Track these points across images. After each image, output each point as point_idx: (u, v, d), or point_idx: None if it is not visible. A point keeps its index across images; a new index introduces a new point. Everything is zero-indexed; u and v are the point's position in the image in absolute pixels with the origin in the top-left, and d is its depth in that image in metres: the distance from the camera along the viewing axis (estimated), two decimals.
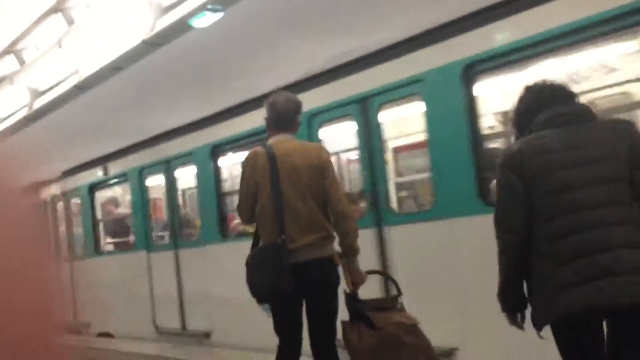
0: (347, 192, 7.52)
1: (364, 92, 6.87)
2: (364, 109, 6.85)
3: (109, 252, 11.97)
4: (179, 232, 9.68)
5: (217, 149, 9.03)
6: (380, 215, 6.63)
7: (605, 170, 2.81)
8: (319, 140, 7.28)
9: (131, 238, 12.18)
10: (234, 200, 8.22)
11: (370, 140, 6.83)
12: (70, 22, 10.74)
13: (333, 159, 7.38)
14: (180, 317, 9.57)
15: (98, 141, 13.40)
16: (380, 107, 6.79)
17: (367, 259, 5.88)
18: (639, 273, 2.68)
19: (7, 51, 12.62)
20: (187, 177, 10.77)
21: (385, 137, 6.92)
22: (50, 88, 11.21)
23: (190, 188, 11.35)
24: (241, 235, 8.60)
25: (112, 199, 13.40)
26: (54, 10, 10.93)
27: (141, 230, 10.49)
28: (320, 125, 7.38)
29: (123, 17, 8.48)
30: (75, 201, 12.64)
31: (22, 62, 12.57)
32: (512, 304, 3.01)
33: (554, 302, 2.79)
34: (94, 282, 11.40)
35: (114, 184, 11.69)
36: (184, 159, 9.48)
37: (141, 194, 10.42)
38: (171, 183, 9.91)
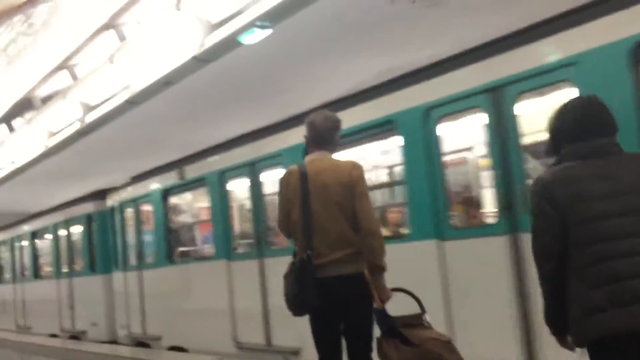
0: (471, 197, 6.76)
1: (496, 80, 5.81)
2: (496, 100, 5.84)
3: (184, 261, 10.98)
4: (265, 240, 8.69)
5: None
6: (515, 220, 5.66)
7: (635, 202, 2.94)
8: (436, 137, 6.35)
9: (209, 246, 11.22)
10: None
11: (505, 135, 5.76)
12: (122, 38, 10.99)
13: (455, 157, 6.79)
14: (264, 332, 8.67)
15: (171, 145, 12.73)
16: (517, 97, 5.72)
17: (500, 269, 5.60)
18: None
19: (61, 67, 12.98)
20: (274, 180, 9.52)
21: (523, 131, 5.78)
22: (102, 103, 11.50)
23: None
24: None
25: (187, 205, 12.36)
26: (107, 26, 11.20)
27: (221, 238, 9.55)
28: (438, 121, 6.36)
29: (173, 33, 8.65)
30: (146, 207, 11.68)
31: (74, 78, 12.90)
32: (559, 327, 3.07)
33: (586, 325, 2.90)
34: (166, 293, 10.78)
35: (191, 188, 10.67)
36: (271, 160, 8.38)
37: (222, 199, 9.50)
38: (256, 186, 8.87)
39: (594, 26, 5.21)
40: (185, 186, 10.51)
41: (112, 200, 13.04)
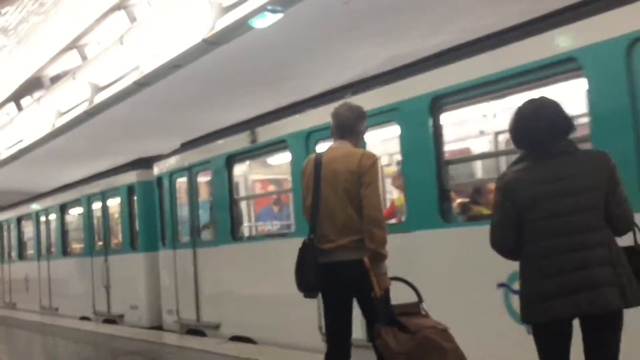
0: None
1: None
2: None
3: (252, 238, 9.63)
4: None
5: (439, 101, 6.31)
6: None
7: (585, 200, 3.30)
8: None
9: (287, 221, 10.27)
10: (460, 170, 7.09)
11: None
12: (132, 19, 11.06)
13: None
14: (362, 324, 7.15)
15: (179, 127, 11.90)
16: None
17: None
18: (609, 286, 3.22)
19: (71, 47, 13.06)
20: (385, 140, 8.44)
21: None
22: (111, 83, 11.58)
23: (389, 154, 8.72)
24: (474, 219, 6.42)
25: (258, 172, 10.92)
26: (117, 7, 11.25)
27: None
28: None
29: (184, 15, 8.73)
30: (205, 176, 10.10)
31: (84, 58, 13.00)
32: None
33: (536, 310, 3.34)
34: (229, 274, 9.27)
35: (264, 153, 9.12)
36: (381, 116, 6.82)
37: None
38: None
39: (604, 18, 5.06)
40: (258, 150, 8.97)
41: (160, 169, 11.26)
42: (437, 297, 5.13)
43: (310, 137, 7.79)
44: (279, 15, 6.63)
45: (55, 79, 14.37)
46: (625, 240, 3.51)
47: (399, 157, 7.33)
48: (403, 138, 6.43)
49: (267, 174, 11.05)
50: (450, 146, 6.98)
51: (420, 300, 4.35)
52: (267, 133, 8.50)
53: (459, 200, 6.93)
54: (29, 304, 17.70)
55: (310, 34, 7.06)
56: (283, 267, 7.56)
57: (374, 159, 4.42)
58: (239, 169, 10.00)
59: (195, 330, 10.05)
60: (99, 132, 13.36)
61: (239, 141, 8.96)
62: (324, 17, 6.45)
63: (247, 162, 9.85)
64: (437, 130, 6.16)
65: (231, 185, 9.20)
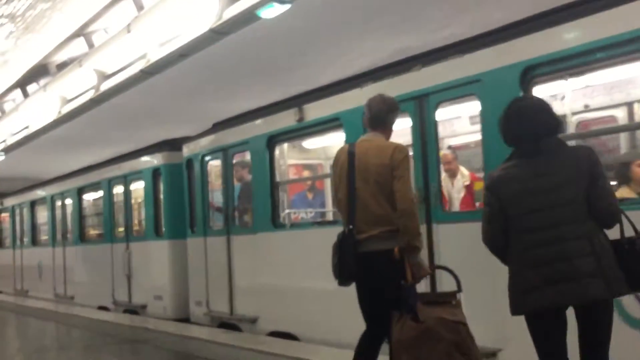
0: None
1: None
2: None
3: (296, 226, 8.63)
4: (435, 199, 6.24)
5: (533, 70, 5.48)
6: None
7: (565, 195, 3.44)
8: None
9: (323, 208, 9.59)
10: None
11: None
12: (140, 7, 11.00)
13: None
14: None
15: (185, 116, 11.92)
16: None
17: None
18: (591, 277, 3.35)
19: (78, 34, 13.01)
20: (458, 117, 7.55)
21: None
22: (117, 71, 11.56)
23: (468, 132, 7.66)
24: None
25: (306, 154, 10.02)
26: None
27: None
28: None
29: (191, 5, 8.67)
30: (241, 158, 9.43)
31: (91, 45, 12.95)
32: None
33: (524, 300, 3.50)
34: (268, 265, 8.52)
35: (313, 132, 8.28)
36: (456, 90, 6.02)
37: None
38: (426, 125, 6.29)
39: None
40: (305, 130, 8.19)
41: (190, 150, 10.43)
42: None
43: None
44: (287, 6, 6.57)
45: (62, 66, 14.34)
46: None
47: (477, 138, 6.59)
48: (485, 114, 5.67)
49: (306, 158, 10.20)
50: None
51: (459, 289, 4.40)
52: (317, 110, 7.74)
53: None
54: (42, 292, 16.76)
55: (318, 24, 6.96)
56: (325, 256, 6.47)
57: (405, 153, 4.51)
58: (303, 145, 9.31)
59: (227, 324, 9.26)
60: (104, 120, 13.24)
61: (283, 120, 8.25)
62: (332, 9, 6.37)
63: (287, 144, 9.05)
64: None
65: (272, 168, 8.53)
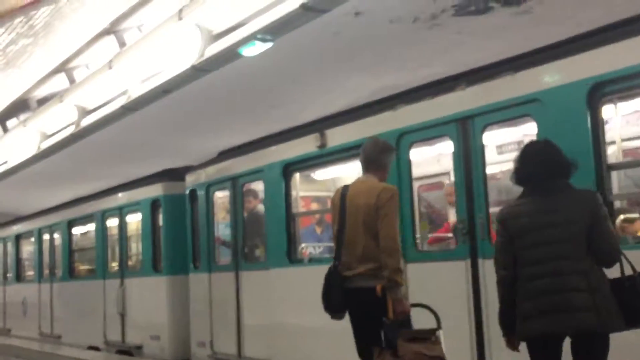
0: None
1: None
2: None
3: (315, 261, 7.74)
4: (481, 229, 5.64)
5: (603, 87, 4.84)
6: None
7: (567, 232, 3.67)
8: None
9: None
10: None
11: None
12: (122, 44, 11.02)
13: None
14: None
15: (167, 152, 10.93)
16: None
17: None
18: (581, 311, 3.56)
19: (59, 69, 13.03)
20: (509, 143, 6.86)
21: None
22: (98, 107, 11.56)
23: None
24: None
25: (327, 184, 9.23)
26: (107, 32, 11.12)
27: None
28: None
29: (174, 42, 8.71)
30: (253, 188, 8.81)
31: (72, 81, 12.95)
32: (507, 328, 3.91)
33: (522, 327, 3.76)
34: (282, 303, 7.80)
35: (336, 160, 7.51)
36: (510, 110, 5.42)
37: (400, 172, 6.22)
38: (471, 150, 5.67)
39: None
40: (327, 157, 7.51)
41: (193, 180, 9.87)
42: None
43: (402, 139, 6.34)
44: (269, 44, 6.60)
45: (42, 102, 14.33)
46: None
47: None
48: (542, 136, 5.00)
49: (314, 190, 9.43)
50: (613, 148, 5.23)
51: (439, 327, 4.64)
52: (342, 135, 7.15)
53: (623, 217, 5.37)
54: (26, 330, 15.59)
55: (300, 63, 6.95)
56: None
57: (391, 193, 4.72)
58: (323, 174, 8.60)
59: None
60: (85, 156, 13.13)
61: (301, 146, 7.69)
62: (314, 47, 6.35)
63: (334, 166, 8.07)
64: (597, 125, 4.86)
65: (289, 199, 7.94)
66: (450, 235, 6.74)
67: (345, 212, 4.84)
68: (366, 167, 4.99)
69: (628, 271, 3.81)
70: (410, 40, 6.04)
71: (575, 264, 3.67)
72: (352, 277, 4.74)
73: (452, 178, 6.75)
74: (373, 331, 4.66)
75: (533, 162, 3.94)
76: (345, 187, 5.00)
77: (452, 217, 7.06)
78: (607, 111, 4.85)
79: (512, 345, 3.97)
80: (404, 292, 4.67)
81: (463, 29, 5.64)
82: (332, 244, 9.79)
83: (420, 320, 4.80)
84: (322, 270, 7.60)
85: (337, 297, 4.79)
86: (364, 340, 4.74)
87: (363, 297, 4.67)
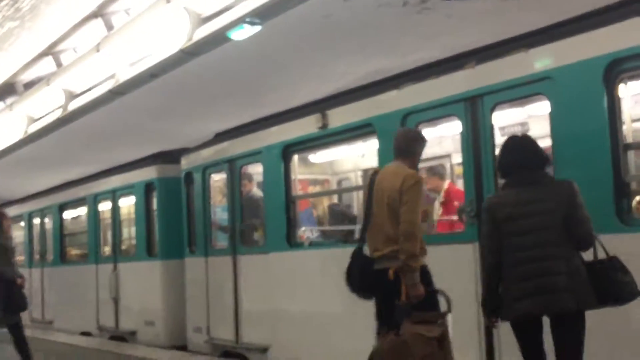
0: None
1: None
2: None
3: (316, 245, 7.75)
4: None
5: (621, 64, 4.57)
6: None
7: (549, 220, 3.94)
8: None
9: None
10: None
11: None
12: (109, 27, 10.88)
13: None
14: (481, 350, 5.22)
15: (155, 136, 10.70)
16: None
17: None
18: (564, 292, 3.87)
19: (46, 53, 12.90)
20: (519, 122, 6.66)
21: None
22: (86, 91, 11.46)
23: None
24: None
25: (327, 166, 9.22)
26: (94, 15, 10.95)
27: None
28: None
29: (162, 25, 8.62)
30: (251, 170, 8.70)
31: (59, 65, 12.82)
32: (491, 310, 4.20)
33: (511, 309, 4.01)
34: (282, 287, 7.67)
35: (338, 141, 7.42)
36: (520, 89, 5.26)
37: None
38: (480, 130, 5.50)
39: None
40: (329, 138, 7.38)
41: (189, 163, 9.71)
42: None
43: (407, 119, 6.15)
44: (257, 28, 6.55)
45: (29, 85, 14.20)
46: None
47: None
48: (556, 116, 4.93)
49: (311, 173, 9.15)
50: (631, 127, 4.89)
51: (449, 310, 4.74)
52: (344, 115, 6.95)
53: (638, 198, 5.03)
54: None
55: (289, 47, 6.88)
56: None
57: (415, 180, 4.86)
58: (324, 155, 8.39)
59: (232, 353, 8.31)
60: (74, 140, 13.04)
61: (302, 127, 7.48)
62: (303, 31, 6.29)
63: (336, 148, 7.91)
64: (614, 104, 4.67)
65: (288, 181, 7.75)
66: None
67: (372, 195, 5.02)
68: (396, 154, 5.16)
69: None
70: (400, 24, 5.99)
71: (556, 250, 3.96)
72: (378, 259, 4.91)
73: (452, 160, 6.95)
74: (385, 312, 4.91)
75: (513, 154, 4.23)
76: (376, 171, 5.19)
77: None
78: (625, 89, 4.66)
79: (493, 324, 4.31)
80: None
81: (453, 13, 5.59)
82: (328, 228, 9.47)
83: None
84: (322, 254, 7.60)
85: (359, 277, 5.00)
86: (386, 321, 4.87)
87: (384, 277, 4.83)
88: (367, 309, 5.48)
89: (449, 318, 4.68)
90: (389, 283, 4.76)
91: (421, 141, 5.18)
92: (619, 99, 4.56)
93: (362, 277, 4.93)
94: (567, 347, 4.02)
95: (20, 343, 7.61)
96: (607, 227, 4.39)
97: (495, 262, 4.13)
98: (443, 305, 4.79)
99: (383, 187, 4.96)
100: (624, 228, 4.45)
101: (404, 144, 5.14)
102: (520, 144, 4.29)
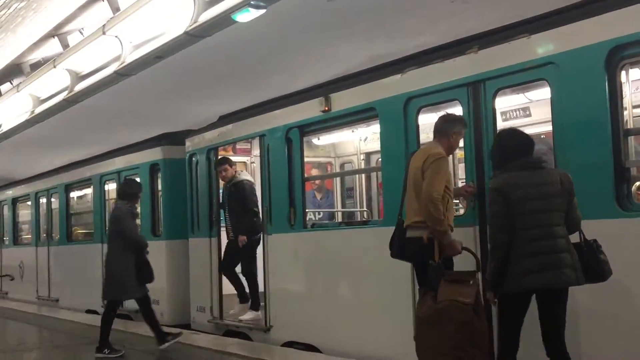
0: None
1: None
2: None
3: (319, 226, 8.07)
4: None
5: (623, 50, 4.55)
6: None
7: (555, 203, 4.30)
8: None
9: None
10: None
11: None
12: (115, 9, 10.92)
13: None
14: None
15: (160, 118, 10.82)
16: None
17: None
18: (570, 268, 4.24)
19: (52, 34, 12.87)
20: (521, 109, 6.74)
21: None
22: (92, 72, 11.43)
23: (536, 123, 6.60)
24: None
25: (329, 148, 9.18)
26: None
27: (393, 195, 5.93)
28: None
29: (167, 7, 8.61)
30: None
31: (65, 46, 12.81)
32: (497, 284, 4.41)
33: (518, 283, 4.30)
34: (285, 268, 7.75)
35: (340, 124, 7.48)
36: (522, 74, 5.33)
37: (409, 136, 6.20)
38: (482, 115, 5.56)
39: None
40: (332, 121, 7.37)
41: (194, 144, 9.73)
42: None
43: (410, 103, 6.12)
44: (262, 11, 6.53)
45: (36, 66, 14.20)
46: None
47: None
48: (558, 102, 4.94)
49: (314, 156, 9.10)
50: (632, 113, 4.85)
51: (478, 269, 5.03)
52: (348, 99, 6.92)
53: (638, 183, 5.14)
54: (23, 293, 15.49)
55: (293, 30, 6.85)
56: (363, 262, 6.51)
57: (435, 158, 5.21)
58: (326, 139, 8.44)
59: (235, 332, 8.36)
60: (80, 121, 13.02)
61: (306, 110, 7.48)
62: (307, 15, 6.26)
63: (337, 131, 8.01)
64: (615, 90, 4.64)
65: (291, 163, 7.75)
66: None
67: (407, 172, 5.43)
68: (434, 135, 5.51)
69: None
70: (403, 9, 5.96)
71: (561, 230, 4.31)
72: (408, 228, 5.32)
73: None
74: (420, 275, 5.37)
75: (514, 140, 4.63)
76: (414, 151, 5.62)
77: None
78: (629, 76, 4.64)
79: (494, 299, 4.53)
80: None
81: None
82: (330, 210, 9.81)
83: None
84: (324, 236, 7.71)
85: (397, 245, 5.45)
86: (422, 283, 5.30)
87: (410, 246, 5.27)
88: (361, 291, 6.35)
89: (479, 277, 4.95)
90: (420, 249, 5.13)
91: (457, 123, 5.44)
92: (620, 85, 4.54)
93: (399, 245, 5.37)
94: (558, 319, 4.39)
95: (149, 315, 7.68)
96: (606, 213, 4.49)
97: (508, 240, 4.33)
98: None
99: (413, 165, 5.32)
100: (622, 213, 4.46)
101: (439, 125, 5.46)
102: (515, 133, 4.66)
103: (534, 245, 4.28)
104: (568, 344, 4.40)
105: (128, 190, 7.80)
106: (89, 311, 11.77)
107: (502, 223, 4.38)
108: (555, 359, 4.39)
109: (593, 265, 4.32)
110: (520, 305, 4.43)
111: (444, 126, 5.45)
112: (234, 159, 9.43)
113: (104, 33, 9.83)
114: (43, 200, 14.96)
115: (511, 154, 4.51)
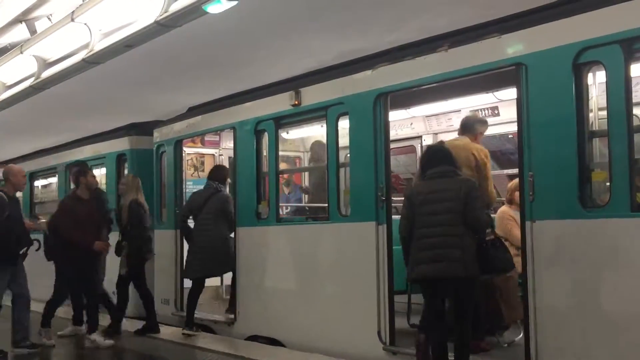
0: None
1: None
2: None
3: (285, 221, 7.97)
4: None
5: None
6: None
7: (446, 206, 4.96)
8: None
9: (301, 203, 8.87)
10: None
11: None
12: None
13: None
14: None
15: (129, 107, 10.68)
16: None
17: None
18: (458, 262, 4.91)
19: (19, 19, 12.52)
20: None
21: None
22: (59, 59, 11.13)
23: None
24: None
25: (301, 143, 9.21)
26: None
27: (366, 187, 6.22)
28: None
29: None
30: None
31: (33, 32, 12.48)
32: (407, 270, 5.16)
33: (413, 271, 5.08)
34: (251, 262, 7.65)
35: (309, 119, 7.45)
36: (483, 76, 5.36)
37: (378, 131, 6.10)
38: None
39: None
40: (302, 116, 7.34)
41: (162, 135, 9.55)
42: None
43: (379, 99, 6.07)
44: (234, 2, 6.40)
45: (2, 52, 13.82)
46: None
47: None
48: (525, 101, 4.91)
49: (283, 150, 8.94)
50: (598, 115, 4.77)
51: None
52: (317, 94, 6.85)
53: None
54: None
55: (264, 22, 6.75)
56: (327, 256, 6.53)
57: (487, 155, 5.89)
58: (298, 133, 8.33)
59: (199, 325, 8.14)
60: (45, 108, 12.78)
61: (277, 104, 7.37)
62: (279, 7, 6.21)
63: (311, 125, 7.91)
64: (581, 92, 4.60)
65: (259, 157, 7.67)
66: None
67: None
68: (461, 131, 6.11)
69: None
70: (377, 5, 5.89)
71: (453, 229, 4.93)
72: None
73: (424, 142, 7.57)
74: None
75: (429, 155, 5.42)
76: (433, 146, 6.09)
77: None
78: (594, 78, 4.65)
79: (409, 281, 5.45)
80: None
81: None
82: (298, 205, 9.69)
83: None
84: (291, 230, 7.65)
85: None
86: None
87: None
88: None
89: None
90: None
91: (480, 124, 6.15)
92: (587, 87, 4.57)
93: None
94: (461, 311, 4.99)
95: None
96: (570, 213, 4.50)
97: (407, 236, 5.15)
98: None
99: (460, 155, 5.73)
100: (585, 214, 4.48)
101: (468, 123, 6.10)
102: (432, 147, 5.54)
103: (424, 241, 4.98)
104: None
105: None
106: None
107: (404, 223, 5.16)
108: (455, 347, 4.95)
109: (485, 261, 5.04)
110: (424, 290, 5.17)
111: (474, 124, 6.05)
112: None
113: (72, 20, 9.57)
114: None
115: (426, 165, 5.23)
